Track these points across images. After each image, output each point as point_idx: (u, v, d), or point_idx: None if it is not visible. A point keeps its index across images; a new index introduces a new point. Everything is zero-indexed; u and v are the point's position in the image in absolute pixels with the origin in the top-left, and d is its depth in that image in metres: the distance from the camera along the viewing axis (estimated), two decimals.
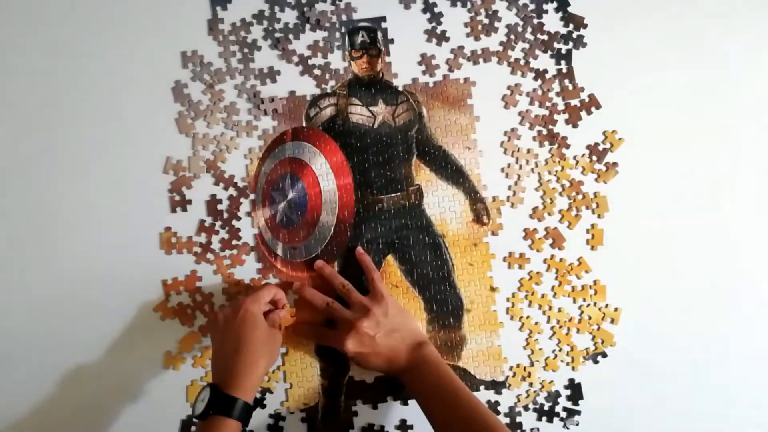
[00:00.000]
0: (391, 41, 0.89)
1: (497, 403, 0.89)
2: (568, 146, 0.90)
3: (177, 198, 0.89)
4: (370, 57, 0.89)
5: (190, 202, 0.89)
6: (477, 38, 0.90)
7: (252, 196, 0.90)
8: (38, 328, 0.88)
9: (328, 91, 0.89)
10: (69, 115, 0.89)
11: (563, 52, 0.90)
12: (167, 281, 0.89)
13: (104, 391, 0.88)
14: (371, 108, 0.89)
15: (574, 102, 0.90)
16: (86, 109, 0.89)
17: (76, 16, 0.90)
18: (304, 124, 0.90)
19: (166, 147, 0.89)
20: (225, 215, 0.89)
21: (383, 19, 0.89)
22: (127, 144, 0.89)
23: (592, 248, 0.89)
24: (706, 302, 0.89)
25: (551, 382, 0.89)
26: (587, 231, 0.89)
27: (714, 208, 0.90)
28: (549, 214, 0.89)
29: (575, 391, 0.89)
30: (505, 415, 0.89)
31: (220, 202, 0.89)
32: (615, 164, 0.89)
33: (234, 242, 0.89)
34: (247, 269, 0.89)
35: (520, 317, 0.89)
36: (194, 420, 0.74)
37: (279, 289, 0.84)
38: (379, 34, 0.89)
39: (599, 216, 0.89)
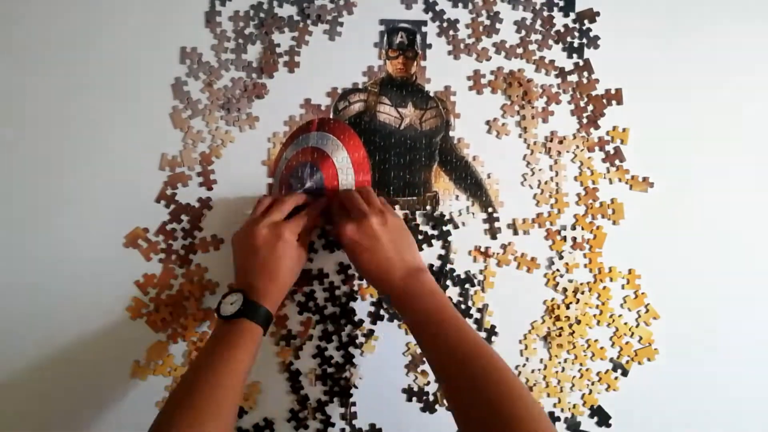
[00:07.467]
0: (429, 46, 0.89)
1: None
2: (598, 127, 0.90)
3: (167, 194, 0.88)
4: (406, 58, 0.89)
5: (176, 201, 0.88)
6: (478, 39, 0.90)
7: (270, 180, 0.88)
8: (15, 323, 0.87)
9: (360, 86, 0.89)
10: (66, 113, 0.87)
11: (575, 45, 0.90)
12: (139, 281, 0.88)
13: (70, 397, 0.87)
14: (400, 109, 0.89)
15: (594, 93, 0.90)
16: (82, 106, 0.87)
17: (74, 11, 0.88)
18: (331, 116, 0.89)
19: (162, 143, 0.88)
20: (187, 226, 0.88)
21: (424, 23, 0.90)
22: (122, 140, 0.88)
23: (591, 248, 0.90)
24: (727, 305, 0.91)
25: (575, 405, 0.90)
26: (590, 231, 0.90)
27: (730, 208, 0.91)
28: (551, 223, 0.90)
29: (601, 416, 0.90)
30: None
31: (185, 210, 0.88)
32: (651, 184, 0.90)
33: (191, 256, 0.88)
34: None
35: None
36: (221, 318, 0.74)
37: (303, 197, 0.86)
38: (418, 38, 0.90)
39: (614, 222, 0.90)
